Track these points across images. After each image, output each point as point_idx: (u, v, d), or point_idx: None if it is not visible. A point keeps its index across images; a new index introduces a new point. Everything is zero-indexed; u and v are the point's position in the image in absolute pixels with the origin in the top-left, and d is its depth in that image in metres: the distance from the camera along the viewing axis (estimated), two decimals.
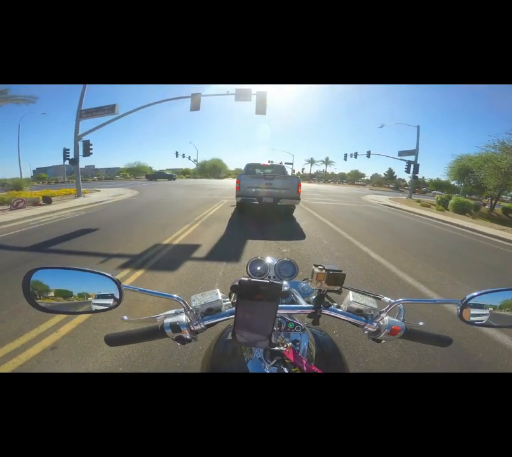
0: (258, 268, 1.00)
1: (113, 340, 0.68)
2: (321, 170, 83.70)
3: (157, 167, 64.44)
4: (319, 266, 0.72)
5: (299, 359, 0.64)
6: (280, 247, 5.38)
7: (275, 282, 0.57)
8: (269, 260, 1.02)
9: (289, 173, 12.21)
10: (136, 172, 53.10)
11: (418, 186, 41.56)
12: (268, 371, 0.66)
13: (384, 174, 69.69)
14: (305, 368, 0.61)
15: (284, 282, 0.90)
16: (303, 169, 78.09)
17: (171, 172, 44.37)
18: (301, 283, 0.93)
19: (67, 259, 4.30)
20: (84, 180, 26.33)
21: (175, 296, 0.67)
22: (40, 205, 10.53)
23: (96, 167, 64.64)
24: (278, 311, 0.60)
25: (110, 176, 52.93)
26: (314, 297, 0.80)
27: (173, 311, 0.71)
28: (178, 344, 0.68)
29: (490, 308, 0.68)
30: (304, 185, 11.35)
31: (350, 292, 0.75)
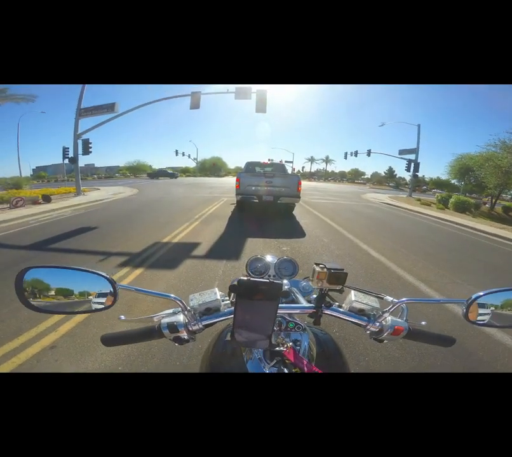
0: (258, 267, 0.99)
1: (109, 340, 0.67)
2: (321, 168, 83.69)
3: (157, 165, 64.24)
4: (321, 265, 0.71)
5: (299, 359, 0.62)
6: (280, 245, 5.37)
7: (275, 281, 0.55)
8: (268, 258, 1.00)
9: (290, 171, 12.18)
10: (136, 171, 52.94)
11: (418, 184, 41.55)
12: (268, 371, 0.65)
13: (384, 172, 69.65)
14: (305, 369, 0.60)
15: (285, 281, 0.89)
16: (303, 167, 78.10)
17: (173, 171, 44.00)
18: (301, 282, 0.91)
19: (66, 258, 4.29)
20: (83, 179, 26.31)
21: (172, 295, 0.66)
22: (40, 203, 10.51)
23: (96, 165, 64.55)
24: (278, 311, 0.58)
25: (110, 174, 52.74)
26: (314, 296, 0.79)
27: (170, 310, 0.69)
28: (176, 344, 0.66)
29: (492, 308, 0.67)
30: (304, 183, 11.33)
31: (352, 292, 0.73)
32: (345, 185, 50.20)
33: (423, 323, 0.73)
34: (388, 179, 65.55)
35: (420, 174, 27.72)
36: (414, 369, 2.02)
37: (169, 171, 42.26)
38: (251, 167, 9.64)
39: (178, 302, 0.65)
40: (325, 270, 0.69)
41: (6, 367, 1.89)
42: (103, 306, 0.62)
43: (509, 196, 24.49)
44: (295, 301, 0.79)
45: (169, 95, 15.10)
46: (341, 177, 78.87)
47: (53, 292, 0.61)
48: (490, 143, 16.34)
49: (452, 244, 6.71)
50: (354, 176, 76.90)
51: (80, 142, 14.63)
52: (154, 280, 3.51)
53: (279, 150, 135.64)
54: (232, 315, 0.58)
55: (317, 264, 0.72)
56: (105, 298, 0.62)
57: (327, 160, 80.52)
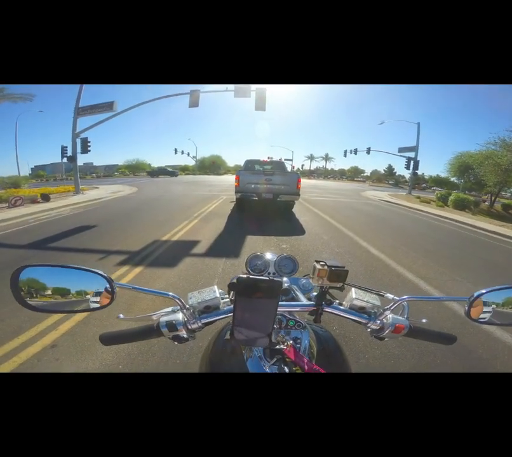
0: (258, 264, 0.98)
1: (108, 339, 0.66)
2: (321, 166, 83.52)
3: (156, 164, 63.93)
4: (321, 262, 0.70)
5: (300, 358, 0.62)
6: (279, 242, 5.37)
7: (275, 278, 0.54)
8: (268, 256, 1.00)
9: (289, 169, 12.15)
10: (135, 169, 52.79)
11: (418, 182, 41.44)
12: (268, 370, 0.65)
13: (384, 170, 69.54)
14: (306, 367, 0.59)
15: (284, 279, 0.88)
16: (302, 165, 77.92)
17: (173, 169, 43.86)
18: (301, 279, 0.91)
19: (66, 257, 4.29)
20: (82, 177, 26.21)
21: (170, 293, 0.65)
22: (39, 202, 10.49)
23: (94, 164, 64.37)
24: (278, 309, 0.57)
25: (109, 173, 52.57)
26: (314, 294, 0.78)
27: (169, 309, 0.69)
28: (176, 343, 0.66)
29: (494, 306, 0.66)
30: (304, 181, 11.32)
31: (353, 289, 0.72)
32: (344, 182, 50.13)
33: (424, 321, 0.73)
34: (387, 177, 65.46)
35: (419, 172, 27.71)
36: (414, 366, 2.02)
37: (170, 169, 42.12)
38: (250, 165, 9.62)
39: (177, 300, 0.64)
40: (326, 267, 0.68)
41: (7, 367, 1.88)
42: (100, 305, 0.62)
43: (509, 194, 24.50)
44: (295, 298, 0.79)
45: (169, 94, 15.04)
46: (340, 175, 78.70)
47: (49, 291, 0.60)
48: (490, 141, 16.41)
49: (452, 242, 6.71)
50: (354, 174, 76.75)
51: (78, 141, 14.55)
52: (154, 278, 3.50)
53: (278, 148, 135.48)
54: (232, 313, 0.57)
55: (318, 262, 0.71)
56: (103, 297, 0.61)
57: (326, 158, 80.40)
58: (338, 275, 0.68)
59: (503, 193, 21.03)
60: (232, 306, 0.63)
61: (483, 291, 0.65)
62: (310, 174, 70.28)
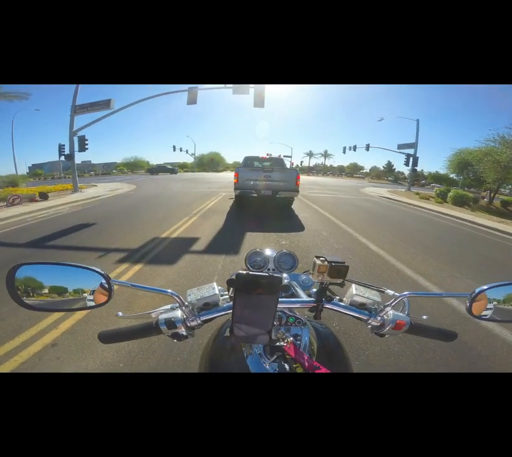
0: (257, 261, 0.97)
1: (107, 337, 0.65)
2: (320, 163, 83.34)
3: (154, 161, 63.72)
4: (321, 258, 0.69)
5: (300, 355, 0.61)
6: (279, 239, 5.37)
7: (274, 274, 0.53)
8: (268, 252, 0.99)
9: (288, 166, 12.11)
10: (134, 167, 52.59)
11: (417, 179, 41.44)
12: (268, 367, 0.64)
13: (383, 167, 69.46)
14: (306, 364, 0.59)
15: (284, 275, 0.87)
16: (301, 161, 77.86)
17: (172, 166, 43.74)
18: (301, 275, 0.90)
19: (65, 255, 4.28)
20: (80, 175, 26.03)
21: (169, 291, 0.64)
22: (37, 201, 10.43)
23: (92, 162, 63.91)
24: (278, 305, 0.57)
25: (107, 171, 52.25)
26: (314, 290, 0.77)
27: (168, 306, 0.68)
28: (175, 340, 0.65)
29: (494, 302, 0.66)
30: (303, 178, 11.30)
31: (353, 285, 0.72)
32: (343, 179, 50.08)
33: (424, 317, 0.72)
34: (387, 174, 65.45)
35: (418, 169, 27.61)
36: (414, 362, 2.03)
37: (169, 167, 42.02)
38: (249, 162, 9.59)
39: (176, 297, 0.64)
40: (326, 263, 0.67)
41: (9, 366, 1.88)
42: (98, 302, 0.61)
43: (507, 190, 24.52)
44: (294, 295, 0.78)
45: (167, 91, 14.90)
46: (340, 171, 78.61)
47: (46, 290, 0.59)
48: (489, 138, 16.37)
49: (451, 238, 6.72)
50: (353, 171, 76.70)
51: (76, 139, 14.48)
52: (153, 275, 3.50)
53: (277, 145, 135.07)
54: (231, 310, 0.56)
55: (318, 257, 0.70)
56: (100, 294, 0.60)
57: (326, 155, 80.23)
58: (338, 270, 0.67)
59: (502, 189, 21.09)
60: (231, 303, 0.62)
61: (484, 287, 0.64)
62: (309, 170, 70.16)
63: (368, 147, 28.67)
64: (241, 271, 0.54)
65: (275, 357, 0.65)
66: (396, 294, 0.67)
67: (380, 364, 2.00)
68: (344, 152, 31.57)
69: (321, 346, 0.74)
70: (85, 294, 0.60)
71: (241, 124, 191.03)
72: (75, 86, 14.21)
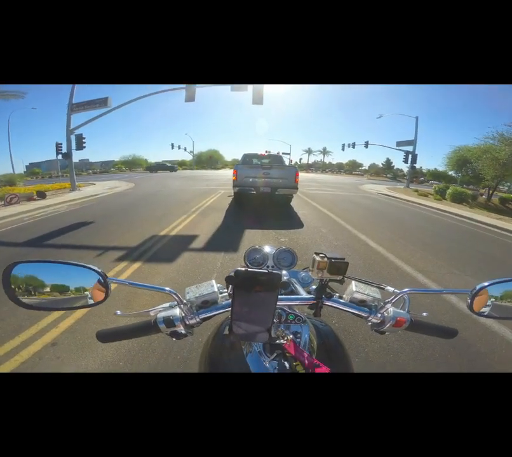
0: (256, 258, 0.97)
1: (105, 336, 0.65)
2: (319, 160, 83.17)
3: (152, 159, 63.61)
4: (321, 255, 0.68)
5: (300, 352, 0.61)
6: (278, 236, 5.37)
7: (274, 271, 0.53)
8: (267, 249, 0.98)
9: (287, 163, 12.08)
10: (132, 165, 52.35)
11: (416, 176, 41.45)
12: (268, 365, 0.64)
13: (382, 164, 69.35)
14: (306, 361, 0.58)
15: (283, 272, 0.87)
16: (300, 159, 77.70)
17: (171, 164, 43.62)
18: (300, 272, 0.89)
19: (63, 254, 4.26)
20: (78, 174, 25.95)
21: (167, 288, 0.63)
22: (35, 200, 10.38)
23: (90, 160, 63.62)
24: (277, 303, 0.56)
25: (105, 169, 52.03)
26: (314, 287, 0.77)
27: (167, 304, 0.67)
28: (174, 339, 0.64)
29: (492, 299, 0.65)
30: (302, 175, 11.28)
31: (353, 282, 0.71)
32: (342, 176, 50.00)
33: (425, 314, 0.72)
34: (386, 171, 65.34)
35: (417, 166, 27.64)
36: (413, 360, 2.03)
37: (168, 165, 41.99)
38: (248, 159, 9.56)
39: (174, 295, 0.63)
40: (326, 259, 0.66)
41: (9, 366, 1.88)
42: (95, 301, 0.60)
43: (506, 188, 24.57)
44: (294, 292, 0.77)
45: (165, 89, 14.80)
46: (339, 168, 78.44)
47: (42, 288, 0.58)
48: (488, 136, 16.40)
49: (450, 235, 6.73)
50: (352, 168, 76.53)
51: (73, 137, 14.39)
52: (152, 273, 3.49)
53: (276, 142, 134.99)
54: (230, 308, 0.56)
55: (317, 254, 0.69)
56: (97, 293, 0.59)
57: (324, 152, 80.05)
58: (338, 267, 0.66)
59: (500, 187, 21.16)
60: (230, 300, 0.62)
61: (486, 284, 0.63)
62: (308, 167, 69.99)
63: (367, 144, 28.61)
64: (239, 268, 0.53)
65: (275, 354, 0.64)
66: (396, 290, 0.67)
67: (379, 361, 2.01)
68: (343, 149, 31.54)
69: (321, 343, 0.74)
70: (82, 293, 0.59)
71: (239, 121, 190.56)
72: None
